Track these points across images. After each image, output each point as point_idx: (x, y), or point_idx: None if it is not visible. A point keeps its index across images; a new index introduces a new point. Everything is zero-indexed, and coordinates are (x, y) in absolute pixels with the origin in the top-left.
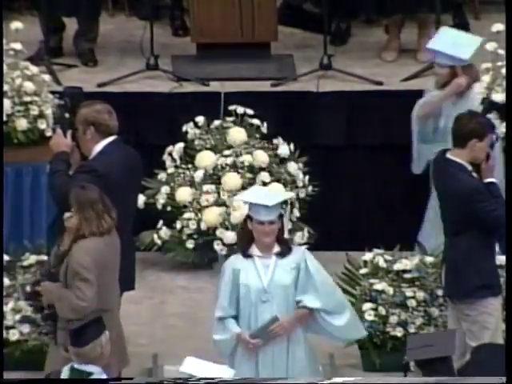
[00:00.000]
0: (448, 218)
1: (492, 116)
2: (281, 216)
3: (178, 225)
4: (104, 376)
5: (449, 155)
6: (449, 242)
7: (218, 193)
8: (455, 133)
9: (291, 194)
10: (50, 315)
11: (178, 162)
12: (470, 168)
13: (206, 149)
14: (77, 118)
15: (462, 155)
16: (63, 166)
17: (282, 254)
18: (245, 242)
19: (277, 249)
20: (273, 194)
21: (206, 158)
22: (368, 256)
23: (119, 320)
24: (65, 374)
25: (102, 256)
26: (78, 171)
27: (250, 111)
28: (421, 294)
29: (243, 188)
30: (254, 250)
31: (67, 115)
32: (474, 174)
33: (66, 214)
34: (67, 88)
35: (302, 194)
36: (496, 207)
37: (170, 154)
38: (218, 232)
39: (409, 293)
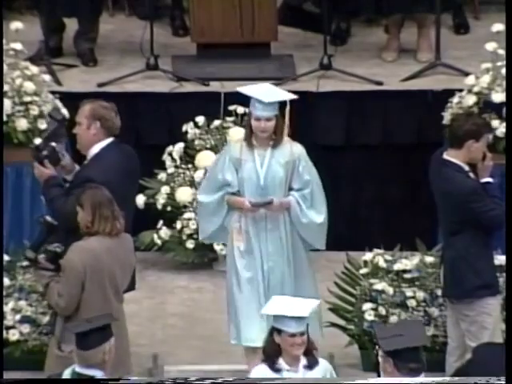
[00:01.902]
0: (445, 218)
1: (491, 116)
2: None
3: (178, 225)
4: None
5: (445, 156)
6: (447, 241)
7: None
8: (451, 134)
9: (318, 302)
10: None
11: (178, 162)
12: (466, 168)
13: (206, 149)
14: (79, 113)
15: (458, 156)
16: (56, 190)
17: (310, 367)
18: (272, 356)
19: (304, 361)
20: (301, 303)
21: (206, 158)
22: (368, 256)
23: (121, 325)
24: (66, 376)
25: (97, 259)
26: (75, 183)
27: None
28: (421, 294)
29: None
30: (282, 363)
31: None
32: (471, 175)
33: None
34: (50, 114)
35: None
36: (493, 207)
37: (170, 154)
38: None
39: (409, 293)
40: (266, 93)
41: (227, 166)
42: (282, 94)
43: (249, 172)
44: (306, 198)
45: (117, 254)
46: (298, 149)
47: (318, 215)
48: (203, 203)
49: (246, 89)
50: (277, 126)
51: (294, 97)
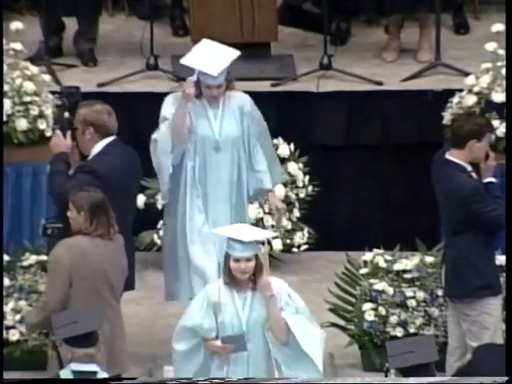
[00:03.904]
0: (448, 218)
1: (492, 116)
2: None
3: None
4: (105, 375)
5: (448, 156)
6: (448, 241)
7: None
8: (453, 134)
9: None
10: None
11: None
12: (469, 168)
13: None
14: (76, 118)
15: (460, 156)
16: (63, 166)
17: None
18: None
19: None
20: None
21: None
22: (368, 256)
23: (118, 325)
24: (63, 376)
25: (85, 256)
26: (79, 171)
27: None
28: (421, 294)
29: None
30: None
31: (66, 115)
32: (474, 175)
33: (71, 214)
34: (65, 88)
35: (302, 194)
36: (494, 207)
37: None
38: None
39: (409, 293)
40: (244, 232)
41: (205, 311)
42: (261, 233)
43: (230, 317)
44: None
45: (107, 252)
46: (279, 284)
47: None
48: (178, 351)
49: (224, 230)
50: (256, 266)
51: (273, 234)
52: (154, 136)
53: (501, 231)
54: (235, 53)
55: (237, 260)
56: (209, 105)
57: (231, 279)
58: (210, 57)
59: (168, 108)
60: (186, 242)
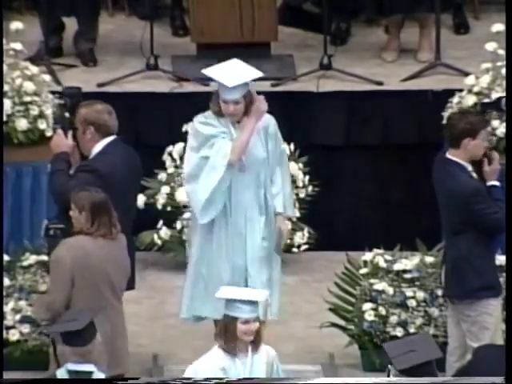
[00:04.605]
0: (448, 218)
1: (492, 116)
2: None
3: (178, 225)
4: (102, 375)
5: (448, 155)
6: (449, 241)
7: None
8: (448, 133)
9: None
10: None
11: (178, 162)
12: (469, 168)
13: None
14: (76, 118)
15: (459, 155)
16: (64, 165)
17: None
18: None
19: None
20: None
21: None
22: (368, 256)
23: (120, 325)
24: (61, 375)
25: (87, 256)
26: (80, 170)
27: None
28: (421, 294)
29: None
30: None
31: (67, 115)
32: (474, 175)
33: (73, 213)
34: (66, 88)
35: (302, 194)
36: (495, 210)
37: (170, 154)
38: None
39: (409, 293)
40: (246, 291)
41: (217, 375)
42: (262, 292)
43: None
44: None
45: (109, 252)
46: (272, 351)
47: None
48: None
49: (226, 293)
50: (258, 332)
51: (267, 292)
52: (205, 153)
53: (501, 234)
54: (257, 73)
55: (246, 322)
56: (232, 125)
57: (234, 343)
58: (230, 72)
59: (208, 127)
60: (212, 259)
